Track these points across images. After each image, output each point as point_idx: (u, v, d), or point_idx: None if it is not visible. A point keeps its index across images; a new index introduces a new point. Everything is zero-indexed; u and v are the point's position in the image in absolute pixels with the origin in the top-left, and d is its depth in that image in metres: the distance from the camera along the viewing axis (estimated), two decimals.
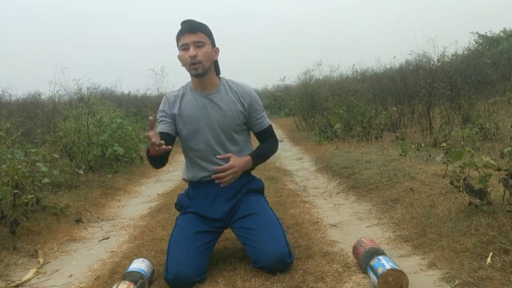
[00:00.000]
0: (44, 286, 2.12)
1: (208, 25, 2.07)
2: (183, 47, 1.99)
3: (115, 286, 1.72)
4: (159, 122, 2.07)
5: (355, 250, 2.07)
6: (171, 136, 2.05)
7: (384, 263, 1.78)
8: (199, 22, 2.04)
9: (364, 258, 1.93)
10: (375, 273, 1.75)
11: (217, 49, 2.09)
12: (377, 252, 1.93)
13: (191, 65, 1.99)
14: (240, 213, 2.07)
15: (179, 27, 2.04)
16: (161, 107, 2.11)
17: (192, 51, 1.96)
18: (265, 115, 2.20)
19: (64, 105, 6.61)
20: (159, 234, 2.65)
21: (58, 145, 5.16)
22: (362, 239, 2.09)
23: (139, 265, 1.92)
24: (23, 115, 7.03)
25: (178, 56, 2.06)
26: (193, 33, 1.98)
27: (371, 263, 1.82)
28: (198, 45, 1.98)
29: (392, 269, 1.73)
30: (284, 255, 1.94)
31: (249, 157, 2.08)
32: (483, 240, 2.04)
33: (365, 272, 1.91)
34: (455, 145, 4.18)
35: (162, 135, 1.99)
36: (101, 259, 2.45)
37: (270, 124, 2.22)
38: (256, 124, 2.16)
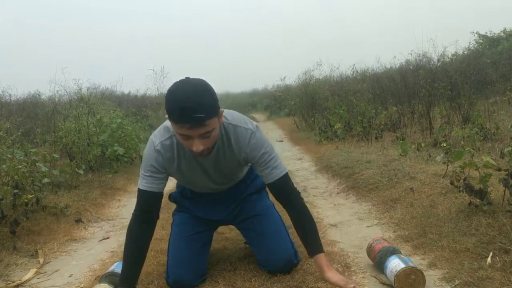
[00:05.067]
0: (44, 286, 2.12)
1: (210, 91, 1.50)
2: (184, 137, 1.52)
3: None
4: (146, 176, 1.69)
5: (372, 244, 2.08)
6: (160, 194, 1.73)
7: (414, 262, 1.85)
8: (204, 101, 1.45)
9: (389, 249, 1.95)
10: (405, 262, 1.78)
11: (222, 112, 1.59)
12: (399, 251, 1.98)
13: (195, 153, 1.57)
14: (244, 214, 2.03)
15: (173, 100, 1.45)
16: (150, 161, 1.68)
17: (199, 145, 1.51)
18: (275, 164, 1.72)
19: (64, 105, 6.61)
20: (159, 234, 2.65)
21: (58, 145, 5.15)
22: (379, 238, 2.13)
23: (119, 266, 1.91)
24: (23, 115, 7.02)
25: (173, 129, 1.58)
26: (201, 125, 1.46)
27: (401, 256, 1.85)
28: (206, 136, 1.52)
29: (421, 273, 1.75)
30: (290, 257, 1.96)
31: (323, 255, 1.72)
32: (483, 240, 2.04)
33: (380, 261, 1.92)
34: (455, 145, 4.18)
35: (150, 195, 1.69)
36: (101, 259, 2.45)
37: (285, 175, 1.74)
38: (263, 175, 1.76)
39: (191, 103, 1.42)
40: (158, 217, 1.74)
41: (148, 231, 1.72)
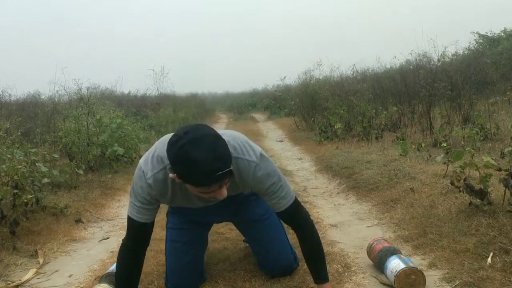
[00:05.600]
0: (44, 287, 2.12)
1: (217, 136, 1.38)
2: (206, 193, 1.40)
3: None
4: (136, 207, 1.57)
5: (372, 244, 2.08)
6: (151, 224, 1.63)
7: (414, 262, 1.87)
8: (223, 152, 1.35)
9: (389, 249, 1.96)
10: (405, 262, 1.79)
11: None
12: (399, 252, 1.99)
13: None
14: (242, 215, 1.97)
15: (192, 167, 1.30)
16: (142, 193, 1.54)
17: (224, 192, 1.40)
18: (282, 194, 1.61)
19: (64, 105, 6.59)
20: (159, 234, 2.64)
21: (58, 145, 5.15)
22: (379, 238, 2.14)
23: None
24: (22, 115, 7.00)
25: (176, 180, 1.40)
26: (229, 176, 1.37)
27: (402, 256, 1.86)
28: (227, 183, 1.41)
29: (422, 273, 1.76)
30: (290, 263, 1.97)
31: (328, 285, 1.68)
32: (483, 240, 2.04)
33: (380, 262, 1.92)
34: (455, 145, 4.18)
35: (141, 226, 1.59)
36: (101, 259, 2.45)
37: (292, 203, 1.64)
38: (270, 205, 1.66)
39: (215, 163, 1.30)
40: (148, 244, 1.67)
41: (138, 260, 1.66)
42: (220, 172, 1.30)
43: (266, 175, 1.56)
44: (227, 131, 1.65)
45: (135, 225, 1.59)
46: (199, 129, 1.36)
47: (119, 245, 2.56)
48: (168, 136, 1.54)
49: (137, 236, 1.63)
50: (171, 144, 1.34)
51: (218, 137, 1.37)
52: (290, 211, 1.63)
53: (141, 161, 1.58)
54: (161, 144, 1.53)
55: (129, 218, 1.61)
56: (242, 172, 1.54)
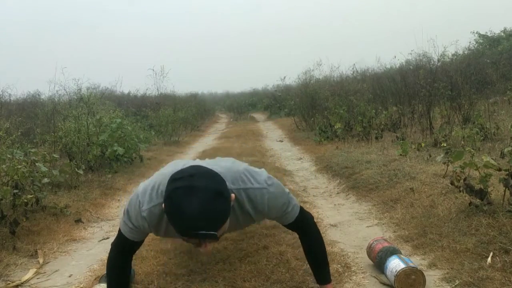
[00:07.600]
0: (44, 286, 2.12)
1: (220, 196, 1.26)
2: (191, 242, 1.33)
3: None
4: (130, 228, 1.53)
5: (372, 244, 2.08)
6: (143, 240, 1.63)
7: (414, 262, 1.87)
8: (214, 216, 1.24)
9: (389, 249, 1.97)
10: (405, 262, 1.79)
11: (233, 197, 1.35)
12: (399, 251, 1.99)
13: None
14: None
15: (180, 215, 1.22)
16: (136, 221, 1.49)
17: (208, 248, 1.31)
18: (289, 209, 1.61)
19: (64, 105, 6.60)
20: None
21: (58, 145, 5.15)
22: (379, 238, 2.15)
23: None
24: (22, 115, 7.02)
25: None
26: (213, 239, 1.27)
27: (402, 256, 1.86)
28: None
29: (422, 273, 1.77)
30: None
31: (330, 286, 1.70)
32: (483, 240, 2.04)
33: (380, 262, 1.93)
34: (455, 145, 4.18)
35: (133, 243, 1.58)
36: (101, 259, 2.45)
37: (298, 214, 1.65)
38: (278, 221, 1.67)
39: (200, 222, 1.21)
40: (135, 252, 1.68)
41: (127, 263, 1.66)
42: (200, 232, 1.21)
43: (276, 196, 1.54)
44: (223, 163, 1.59)
45: (126, 241, 1.57)
46: (205, 178, 1.28)
47: None
48: (172, 169, 1.48)
49: (126, 250, 1.62)
50: (173, 178, 1.29)
51: (218, 196, 1.25)
52: (296, 221, 1.64)
53: (140, 188, 1.51)
54: (165, 177, 1.42)
55: (120, 234, 1.57)
56: (256, 201, 1.49)
